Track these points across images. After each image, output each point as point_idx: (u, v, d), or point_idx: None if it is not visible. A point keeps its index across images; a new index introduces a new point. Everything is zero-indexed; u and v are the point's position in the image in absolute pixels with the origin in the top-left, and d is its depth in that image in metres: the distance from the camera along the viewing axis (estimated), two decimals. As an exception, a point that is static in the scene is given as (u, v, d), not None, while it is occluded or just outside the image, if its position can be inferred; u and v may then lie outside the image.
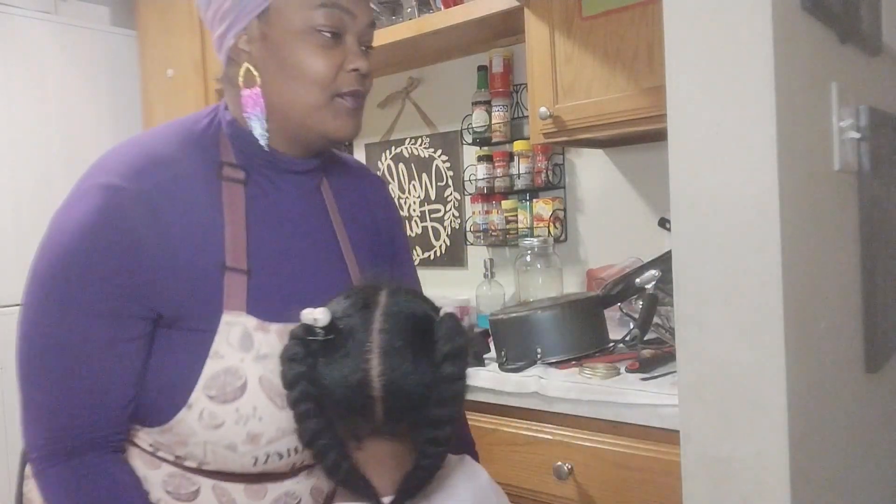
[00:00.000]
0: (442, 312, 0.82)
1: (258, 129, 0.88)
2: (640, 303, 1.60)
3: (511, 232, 2.22)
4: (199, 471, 0.87)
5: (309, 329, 0.79)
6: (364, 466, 0.81)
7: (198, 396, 0.82)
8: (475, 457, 1.09)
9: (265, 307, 0.86)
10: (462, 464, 0.91)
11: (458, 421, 0.84)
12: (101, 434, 0.83)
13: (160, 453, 0.87)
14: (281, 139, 0.90)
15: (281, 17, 0.85)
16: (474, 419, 1.59)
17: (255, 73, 0.87)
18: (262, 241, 0.89)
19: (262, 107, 0.87)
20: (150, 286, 0.82)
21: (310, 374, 0.78)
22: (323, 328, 0.78)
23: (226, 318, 0.84)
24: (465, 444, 1.13)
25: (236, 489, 0.88)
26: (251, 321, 0.85)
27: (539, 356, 1.57)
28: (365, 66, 0.89)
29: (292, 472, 0.92)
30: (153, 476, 0.87)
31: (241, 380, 0.83)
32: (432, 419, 0.78)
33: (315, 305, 0.80)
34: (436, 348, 0.79)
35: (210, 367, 0.83)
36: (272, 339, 0.85)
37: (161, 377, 0.84)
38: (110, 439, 0.84)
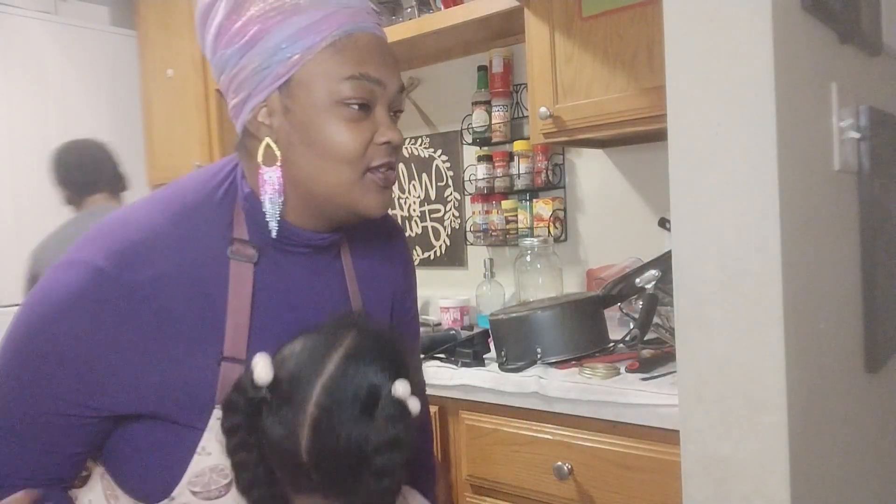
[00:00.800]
0: (395, 388, 0.75)
1: (270, 213, 0.80)
2: (640, 303, 1.60)
3: (511, 232, 2.22)
4: None
5: (253, 381, 0.75)
6: None
7: (181, 490, 0.79)
8: (432, 482, 1.08)
9: None
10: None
11: (400, 482, 0.77)
12: (43, 479, 0.79)
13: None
14: (304, 214, 0.83)
15: (305, 90, 0.77)
16: (474, 419, 1.59)
17: (277, 150, 0.79)
18: (265, 328, 0.82)
19: (280, 189, 0.80)
20: (119, 385, 0.76)
21: (249, 424, 0.74)
22: (266, 385, 0.74)
23: (218, 413, 0.78)
24: (425, 471, 1.08)
25: None
26: None
27: (539, 356, 1.57)
28: (397, 137, 0.81)
29: None
30: None
31: (228, 479, 0.79)
32: (372, 480, 0.74)
33: None
34: (373, 427, 0.73)
35: (196, 464, 0.78)
36: None
37: (146, 466, 0.80)
38: (54, 484, 0.80)
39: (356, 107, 0.78)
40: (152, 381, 0.76)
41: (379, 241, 0.99)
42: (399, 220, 2.58)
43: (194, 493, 0.79)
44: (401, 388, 0.75)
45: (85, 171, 2.23)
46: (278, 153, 0.79)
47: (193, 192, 0.84)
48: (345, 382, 0.74)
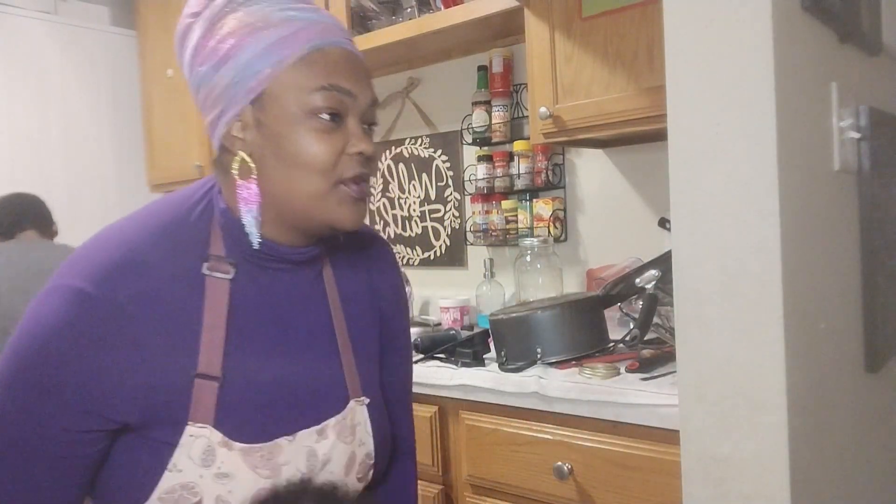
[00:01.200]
0: None
1: (250, 226, 0.82)
2: (640, 303, 1.60)
3: (511, 232, 2.22)
4: None
5: None
6: None
7: None
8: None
9: (235, 419, 0.81)
10: None
11: None
12: None
13: None
14: (280, 229, 0.84)
15: (276, 103, 0.79)
16: (474, 419, 1.59)
17: (251, 163, 0.80)
18: (242, 344, 0.83)
19: (258, 201, 0.81)
20: (112, 398, 0.77)
21: None
22: None
23: (190, 430, 0.79)
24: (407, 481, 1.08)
25: None
26: (216, 436, 0.80)
27: (539, 356, 1.57)
28: (369, 148, 0.82)
29: None
30: None
31: (197, 497, 0.79)
32: None
33: (287, 419, 0.77)
34: None
35: (167, 480, 0.78)
36: (235, 458, 0.81)
37: (117, 478, 0.81)
38: None
39: (327, 117, 0.79)
40: (132, 394, 0.77)
41: (365, 261, 0.99)
42: (399, 220, 2.58)
43: None
44: None
45: (9, 213, 2.36)
46: (253, 166, 0.80)
47: (170, 211, 0.85)
48: None
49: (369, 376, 0.95)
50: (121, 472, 0.81)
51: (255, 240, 0.82)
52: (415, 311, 2.47)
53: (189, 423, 0.79)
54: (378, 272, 1.01)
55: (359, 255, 0.99)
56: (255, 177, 0.81)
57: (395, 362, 1.03)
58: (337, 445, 0.88)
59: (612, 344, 1.65)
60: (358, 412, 0.91)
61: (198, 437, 0.79)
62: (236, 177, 0.81)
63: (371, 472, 0.94)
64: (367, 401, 0.93)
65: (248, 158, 0.81)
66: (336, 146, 0.80)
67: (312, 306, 0.91)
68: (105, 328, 0.76)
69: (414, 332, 2.27)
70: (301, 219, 0.83)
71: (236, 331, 0.83)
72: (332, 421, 0.88)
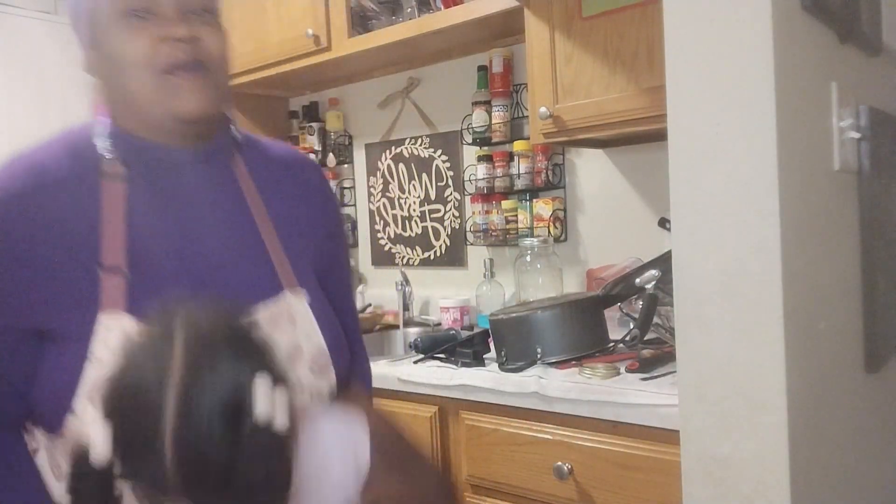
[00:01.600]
0: (256, 405, 0.64)
1: (101, 141, 0.87)
2: (640, 303, 1.60)
3: (511, 232, 2.22)
4: None
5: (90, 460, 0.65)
6: None
7: (82, 402, 0.79)
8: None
9: (148, 307, 0.77)
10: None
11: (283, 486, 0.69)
12: None
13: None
14: (152, 131, 0.87)
15: (96, 17, 0.85)
16: (474, 419, 1.59)
17: (99, 80, 0.87)
18: (145, 237, 0.85)
19: (107, 115, 0.88)
20: (22, 294, 0.80)
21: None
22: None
23: (102, 319, 0.80)
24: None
25: None
26: (130, 323, 0.80)
27: (539, 356, 1.57)
28: (183, 31, 0.83)
29: None
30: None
31: None
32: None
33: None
34: (241, 455, 0.64)
35: (90, 374, 0.79)
36: None
37: (47, 383, 0.81)
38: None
39: (135, 15, 0.83)
40: (42, 286, 0.80)
41: (292, 172, 1.01)
42: (399, 220, 2.58)
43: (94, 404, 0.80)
44: (262, 404, 0.64)
45: None
46: (101, 83, 0.87)
47: (63, 133, 0.91)
48: (198, 399, 0.63)
49: (304, 274, 0.94)
50: (50, 373, 0.81)
51: (105, 152, 0.86)
52: (415, 311, 2.47)
53: (100, 311, 0.80)
54: (306, 192, 1.01)
55: (283, 167, 1.00)
56: (103, 92, 0.87)
57: (342, 292, 1.04)
58: (271, 333, 0.86)
59: (612, 344, 1.65)
60: (296, 304, 0.90)
61: (111, 329, 0.80)
62: (96, 96, 0.88)
63: (332, 371, 0.91)
64: (305, 294, 0.92)
65: (95, 76, 0.88)
66: (148, 37, 0.83)
67: (224, 202, 0.92)
68: (6, 221, 0.80)
69: (414, 332, 2.27)
70: (151, 116, 0.86)
71: (137, 225, 0.85)
72: (260, 307, 0.87)
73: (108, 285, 0.81)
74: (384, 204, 2.64)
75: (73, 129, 0.91)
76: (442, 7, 2.08)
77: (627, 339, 1.60)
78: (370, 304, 2.54)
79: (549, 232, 2.10)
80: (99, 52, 0.86)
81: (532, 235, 2.13)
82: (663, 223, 1.74)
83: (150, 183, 0.88)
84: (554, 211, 2.11)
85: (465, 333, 1.79)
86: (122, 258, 0.82)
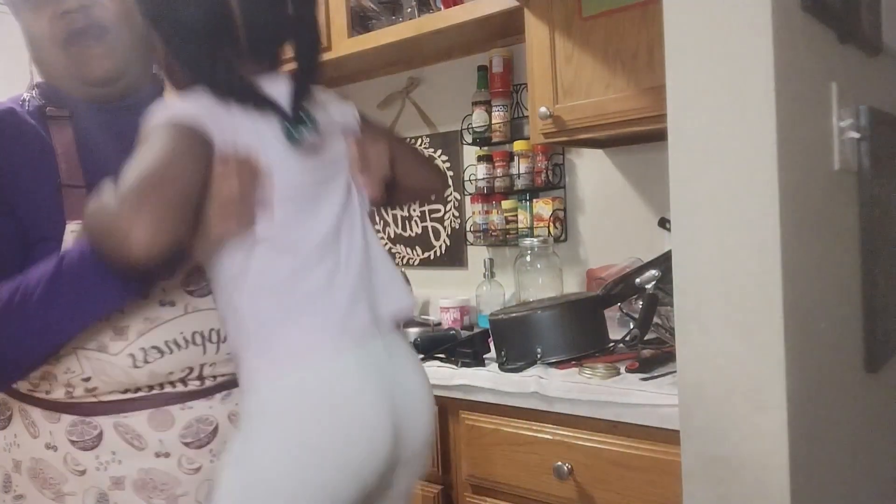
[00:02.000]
0: None
1: (43, 98, 0.95)
2: (640, 303, 1.60)
3: (511, 232, 2.22)
4: (94, 405, 0.88)
5: None
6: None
7: None
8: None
9: None
10: None
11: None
12: None
13: (52, 395, 0.88)
14: (76, 93, 0.95)
15: (12, 3, 0.93)
16: (474, 419, 1.59)
17: (32, 65, 0.97)
18: (99, 160, 0.92)
19: (31, 88, 0.96)
20: (17, 208, 0.87)
21: None
22: None
23: (70, 227, 0.87)
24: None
25: (139, 422, 0.88)
26: None
27: (539, 356, 1.57)
28: (72, 2, 0.90)
29: (203, 393, 0.91)
30: (57, 430, 0.89)
31: None
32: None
33: None
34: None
35: None
36: None
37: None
38: None
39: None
40: (14, 201, 0.87)
41: None
42: (399, 220, 2.58)
43: None
44: None
45: None
46: (35, 68, 0.97)
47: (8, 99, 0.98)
48: None
49: None
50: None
51: (49, 104, 0.94)
52: (415, 311, 2.47)
53: (67, 221, 0.87)
54: None
55: None
56: (36, 65, 0.97)
57: None
58: None
59: (612, 344, 1.65)
60: None
61: (77, 232, 0.86)
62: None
63: None
64: None
65: (30, 59, 0.96)
66: (44, 16, 0.90)
67: None
68: None
69: (414, 331, 2.27)
70: (68, 83, 0.94)
71: (90, 150, 0.93)
72: None
73: (70, 201, 0.89)
74: (384, 204, 2.63)
75: (17, 95, 0.99)
76: (442, 7, 2.08)
77: (627, 339, 1.60)
78: (370, 304, 2.53)
79: (549, 232, 2.10)
80: (24, 34, 0.95)
81: (532, 235, 2.12)
82: (663, 223, 1.74)
83: (90, 122, 0.96)
84: (554, 211, 2.11)
85: (465, 333, 1.79)
86: (80, 177, 0.90)
